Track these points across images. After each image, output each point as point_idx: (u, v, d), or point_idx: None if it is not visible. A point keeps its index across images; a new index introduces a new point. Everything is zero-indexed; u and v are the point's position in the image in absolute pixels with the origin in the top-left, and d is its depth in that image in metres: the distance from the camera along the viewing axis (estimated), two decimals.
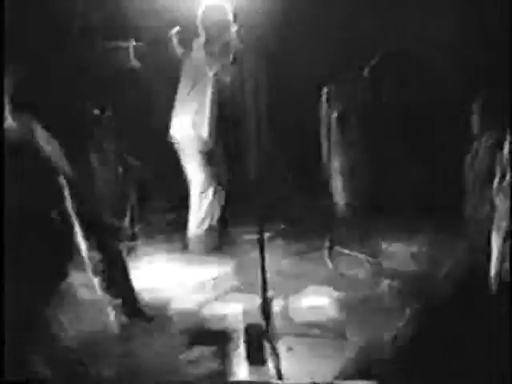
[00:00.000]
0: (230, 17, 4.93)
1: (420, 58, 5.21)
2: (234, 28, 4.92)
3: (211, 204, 5.05)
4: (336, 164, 5.11)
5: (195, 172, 5.03)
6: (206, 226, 5.06)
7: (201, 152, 4.96)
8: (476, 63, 4.59)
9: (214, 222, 5.08)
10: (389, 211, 5.16)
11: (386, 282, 4.21)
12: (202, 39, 5.00)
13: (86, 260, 3.78)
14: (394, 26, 5.33)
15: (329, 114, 4.98)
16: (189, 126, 4.94)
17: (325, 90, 5.01)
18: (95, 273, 3.79)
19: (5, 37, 3.35)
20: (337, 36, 5.55)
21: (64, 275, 3.55)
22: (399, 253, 4.80)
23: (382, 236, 5.01)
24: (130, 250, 4.91)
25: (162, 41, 5.35)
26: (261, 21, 4.65)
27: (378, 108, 5.04)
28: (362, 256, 4.72)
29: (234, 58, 4.94)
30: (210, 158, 4.98)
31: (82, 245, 3.75)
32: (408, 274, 4.34)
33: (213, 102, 4.88)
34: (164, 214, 5.65)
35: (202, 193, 5.04)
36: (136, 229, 5.28)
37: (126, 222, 5.21)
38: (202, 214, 5.07)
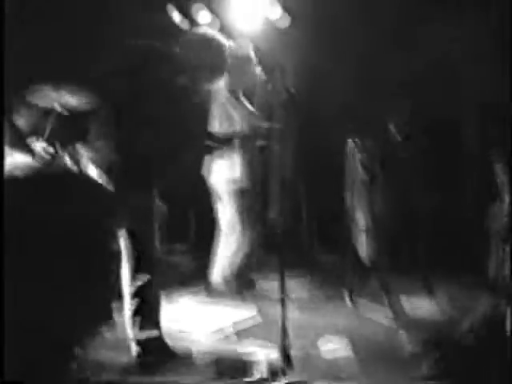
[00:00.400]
0: (255, 60, 5.10)
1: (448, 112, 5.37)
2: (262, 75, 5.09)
3: (239, 247, 5.15)
4: (360, 217, 5.19)
5: (227, 214, 5.14)
6: (231, 269, 5.15)
7: (235, 194, 5.08)
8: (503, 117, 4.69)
9: (240, 266, 5.17)
10: (411, 265, 5.26)
11: (405, 333, 4.24)
12: (227, 82, 5.08)
13: (128, 298, 3.77)
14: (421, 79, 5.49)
15: (356, 172, 5.07)
16: (224, 167, 5.07)
17: (350, 142, 5.12)
18: (135, 312, 3.77)
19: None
20: (363, 90, 5.73)
21: (109, 316, 3.48)
22: (421, 306, 4.88)
23: (404, 289, 5.09)
24: None
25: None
26: (289, 70, 4.88)
27: (403, 163, 5.15)
28: (382, 307, 4.76)
29: (266, 103, 5.11)
30: (243, 200, 5.08)
31: (127, 282, 3.76)
32: (428, 325, 4.37)
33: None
34: (188, 256, 5.75)
35: (230, 235, 5.14)
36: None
37: None
38: (228, 257, 5.17)
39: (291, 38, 5.95)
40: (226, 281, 5.16)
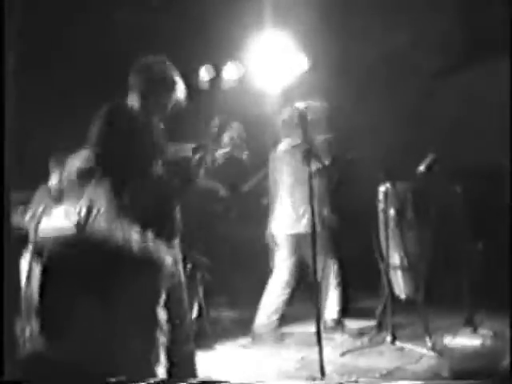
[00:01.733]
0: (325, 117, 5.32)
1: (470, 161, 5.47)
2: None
3: (288, 295, 5.29)
4: (395, 259, 5.24)
5: (283, 262, 5.32)
6: (277, 316, 5.29)
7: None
8: None
9: (282, 313, 5.30)
10: (451, 304, 5.27)
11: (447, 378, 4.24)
12: (296, 139, 5.31)
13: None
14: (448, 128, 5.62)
15: (386, 211, 5.15)
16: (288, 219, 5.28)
17: (382, 187, 5.21)
18: None
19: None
20: (394, 137, 5.85)
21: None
22: (462, 347, 4.86)
23: (445, 329, 5.09)
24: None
25: None
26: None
27: (434, 204, 5.22)
28: (423, 350, 4.77)
29: (333, 159, 5.31)
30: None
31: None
32: (469, 370, 4.37)
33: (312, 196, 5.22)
34: (228, 310, 5.86)
35: (287, 283, 5.27)
36: (205, 324, 5.45)
37: (193, 316, 5.40)
38: (276, 304, 5.31)
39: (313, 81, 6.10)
40: (273, 326, 5.29)
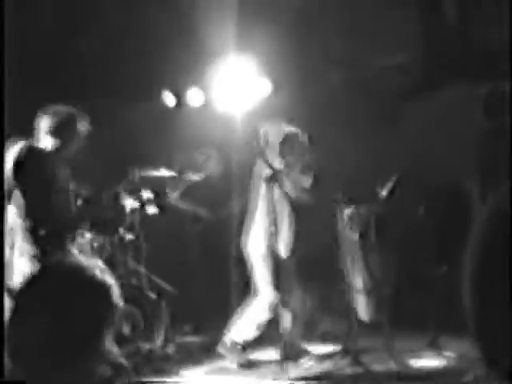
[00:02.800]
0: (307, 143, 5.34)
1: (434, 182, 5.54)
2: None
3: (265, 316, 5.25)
4: (359, 283, 5.27)
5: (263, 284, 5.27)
6: (250, 337, 5.27)
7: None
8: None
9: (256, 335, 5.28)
10: (415, 326, 5.30)
11: None
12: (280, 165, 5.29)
13: None
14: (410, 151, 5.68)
15: (349, 235, 5.19)
16: (262, 240, 5.24)
17: (346, 211, 5.25)
18: None
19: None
20: (355, 160, 5.91)
21: None
22: (427, 368, 4.88)
23: (410, 352, 5.11)
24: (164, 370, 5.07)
25: None
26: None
27: (397, 227, 5.27)
28: (389, 373, 4.79)
29: (314, 180, 5.31)
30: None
31: None
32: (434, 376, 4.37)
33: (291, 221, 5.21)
34: (194, 335, 5.84)
35: (267, 305, 5.23)
36: (169, 350, 5.42)
37: (159, 342, 5.37)
38: (253, 325, 5.27)
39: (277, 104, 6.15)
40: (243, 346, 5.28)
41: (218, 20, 6.36)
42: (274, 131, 5.32)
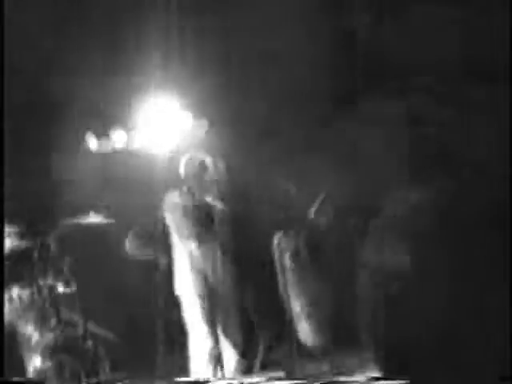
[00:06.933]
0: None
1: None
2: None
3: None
4: (297, 307, 5.24)
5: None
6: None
7: None
8: None
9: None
10: (358, 345, 5.27)
11: None
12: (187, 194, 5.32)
13: None
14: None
15: (281, 258, 5.18)
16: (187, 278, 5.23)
17: (275, 237, 5.24)
18: None
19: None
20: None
21: None
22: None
23: (357, 370, 5.07)
24: None
25: None
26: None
27: (329, 250, 5.28)
28: None
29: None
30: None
31: None
32: None
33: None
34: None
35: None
36: None
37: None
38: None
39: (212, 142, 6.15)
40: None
41: (144, 56, 6.36)
42: (188, 160, 5.34)
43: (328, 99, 6.71)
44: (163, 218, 5.44)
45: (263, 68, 6.72)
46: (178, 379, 4.95)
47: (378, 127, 6.01)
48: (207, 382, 4.96)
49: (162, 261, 5.66)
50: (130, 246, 5.85)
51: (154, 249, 5.96)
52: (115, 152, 6.16)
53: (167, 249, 5.62)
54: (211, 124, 6.30)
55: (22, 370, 4.43)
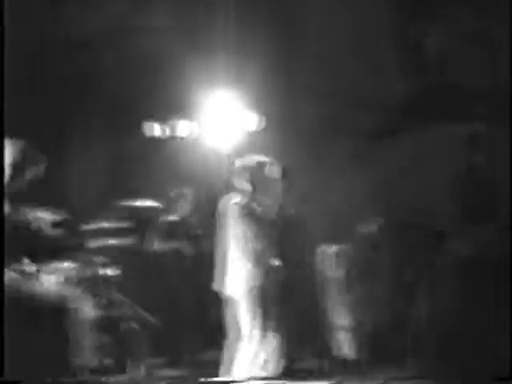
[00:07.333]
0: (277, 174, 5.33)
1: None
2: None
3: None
4: (340, 319, 5.28)
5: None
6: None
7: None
8: None
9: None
10: (395, 364, 5.30)
11: None
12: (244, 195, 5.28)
13: None
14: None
15: (327, 269, 5.21)
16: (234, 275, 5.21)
17: (328, 249, 5.27)
18: None
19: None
20: (340, 198, 5.95)
21: None
22: None
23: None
24: None
25: None
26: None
27: (380, 265, 5.31)
28: None
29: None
30: None
31: None
32: None
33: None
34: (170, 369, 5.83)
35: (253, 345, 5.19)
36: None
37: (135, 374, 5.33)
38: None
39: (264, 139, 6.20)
40: None
41: (208, 52, 6.43)
42: (246, 162, 5.35)
43: (389, 110, 6.72)
44: (219, 216, 5.46)
45: (327, 71, 6.75)
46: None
47: (436, 146, 6.01)
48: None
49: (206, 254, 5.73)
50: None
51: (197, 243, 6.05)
52: (174, 140, 6.26)
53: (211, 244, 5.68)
54: (269, 123, 6.34)
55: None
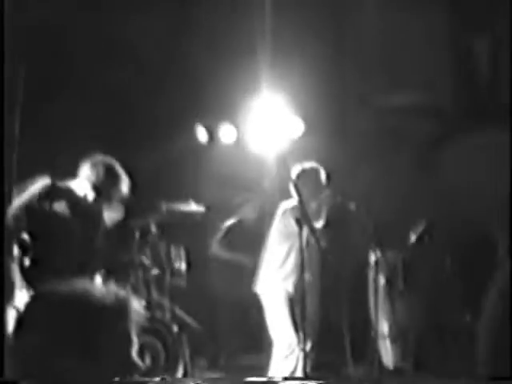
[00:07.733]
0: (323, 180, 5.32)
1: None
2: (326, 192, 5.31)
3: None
4: (384, 328, 5.22)
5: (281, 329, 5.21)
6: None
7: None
8: None
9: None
10: (439, 373, 5.22)
11: None
12: (293, 202, 5.30)
13: None
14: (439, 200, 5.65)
15: (376, 276, 5.15)
16: (277, 279, 5.21)
17: (373, 256, 5.22)
18: None
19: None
20: (387, 204, 5.88)
21: None
22: None
23: None
24: None
25: None
26: None
27: (424, 275, 5.23)
28: None
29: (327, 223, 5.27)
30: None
31: None
32: None
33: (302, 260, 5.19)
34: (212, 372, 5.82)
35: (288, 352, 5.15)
36: None
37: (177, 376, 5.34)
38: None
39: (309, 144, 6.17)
40: None
41: (252, 56, 6.43)
42: (309, 171, 5.33)
43: (443, 118, 6.64)
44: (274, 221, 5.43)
45: (378, 77, 6.71)
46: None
47: (490, 153, 5.90)
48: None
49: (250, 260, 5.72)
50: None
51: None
52: (220, 146, 6.28)
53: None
54: (310, 129, 6.31)
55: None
